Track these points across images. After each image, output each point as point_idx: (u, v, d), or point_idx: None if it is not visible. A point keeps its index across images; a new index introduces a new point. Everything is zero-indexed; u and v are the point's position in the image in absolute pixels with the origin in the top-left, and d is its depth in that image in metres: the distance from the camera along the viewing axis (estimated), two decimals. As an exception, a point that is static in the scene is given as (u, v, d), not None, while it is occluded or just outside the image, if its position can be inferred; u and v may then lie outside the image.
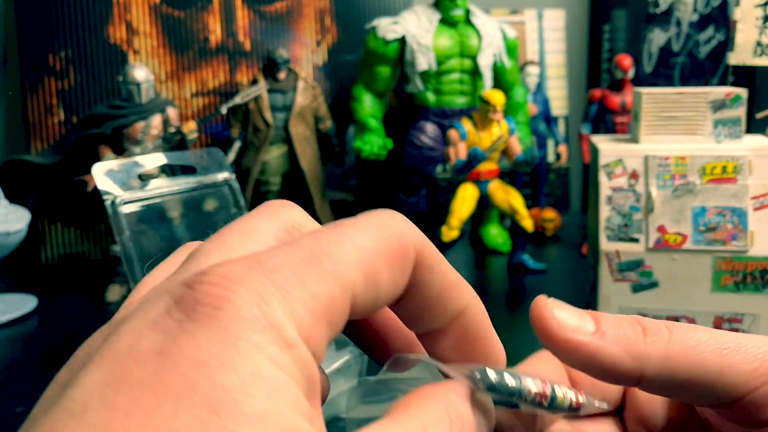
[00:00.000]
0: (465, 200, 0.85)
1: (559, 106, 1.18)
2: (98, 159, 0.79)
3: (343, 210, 1.06)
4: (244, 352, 0.14)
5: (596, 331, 0.22)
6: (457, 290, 0.22)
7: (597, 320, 0.23)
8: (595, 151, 0.83)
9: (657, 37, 1.14)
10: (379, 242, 0.17)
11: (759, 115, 1.00)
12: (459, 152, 0.84)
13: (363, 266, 0.17)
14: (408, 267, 0.19)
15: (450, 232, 0.84)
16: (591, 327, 0.23)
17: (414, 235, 0.19)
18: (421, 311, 0.21)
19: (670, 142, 0.79)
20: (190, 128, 0.81)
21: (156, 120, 0.80)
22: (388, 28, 0.92)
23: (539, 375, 0.22)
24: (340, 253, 0.16)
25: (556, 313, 0.22)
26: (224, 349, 0.14)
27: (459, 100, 0.94)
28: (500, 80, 0.96)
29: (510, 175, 1.09)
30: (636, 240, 0.78)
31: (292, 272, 0.16)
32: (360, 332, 0.23)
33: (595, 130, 1.03)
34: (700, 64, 1.15)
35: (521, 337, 0.71)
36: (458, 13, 0.91)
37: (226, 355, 0.14)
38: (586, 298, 0.81)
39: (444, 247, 0.85)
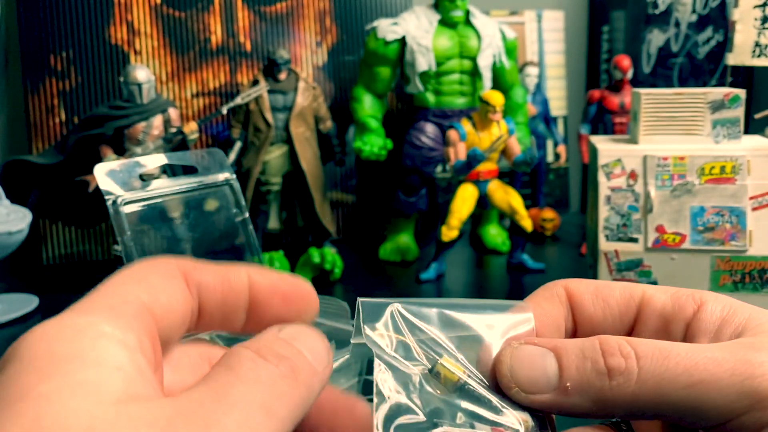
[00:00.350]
0: (464, 200, 0.85)
1: (558, 106, 1.19)
2: (99, 159, 0.79)
3: (343, 210, 1.06)
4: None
5: (559, 384, 0.22)
6: None
7: (560, 362, 0.23)
8: (594, 152, 0.83)
9: (656, 38, 1.14)
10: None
11: (757, 116, 1.00)
12: (458, 153, 0.84)
13: None
14: None
15: (450, 232, 0.84)
16: (554, 378, 0.23)
17: None
18: None
19: (669, 142, 0.80)
20: (191, 129, 0.81)
21: (157, 120, 0.80)
22: (388, 28, 0.92)
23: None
24: None
25: (516, 376, 0.23)
26: None
27: (458, 101, 0.94)
28: (500, 81, 0.96)
29: (509, 176, 1.10)
30: (635, 240, 0.79)
31: None
32: None
33: (594, 131, 1.04)
34: (699, 65, 1.15)
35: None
36: (458, 14, 0.91)
37: None
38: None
39: (444, 247, 0.85)
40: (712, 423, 0.22)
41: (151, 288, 0.21)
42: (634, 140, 0.82)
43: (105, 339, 0.18)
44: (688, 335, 0.26)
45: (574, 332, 0.27)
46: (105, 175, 0.51)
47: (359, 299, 0.24)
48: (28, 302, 0.79)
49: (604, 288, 0.27)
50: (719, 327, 0.25)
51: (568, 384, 0.22)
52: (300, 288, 0.24)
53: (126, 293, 0.20)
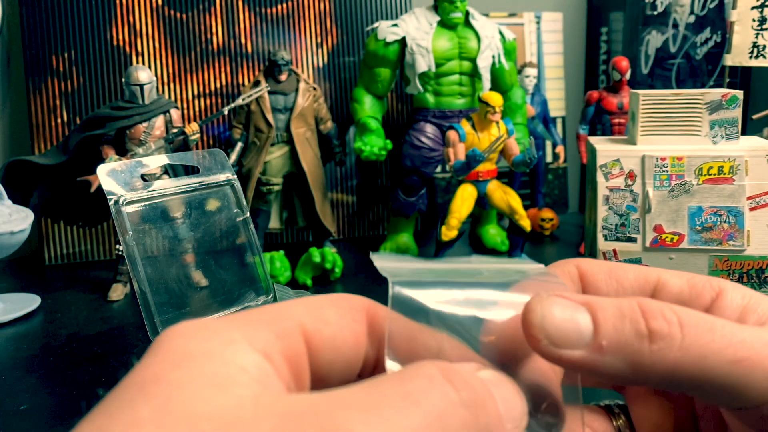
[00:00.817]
0: (464, 200, 0.86)
1: (556, 107, 1.19)
2: (101, 160, 0.80)
3: (343, 210, 1.07)
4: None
5: (593, 341, 0.20)
6: None
7: (595, 319, 0.21)
8: (592, 152, 0.84)
9: (654, 39, 1.15)
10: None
11: (755, 116, 1.00)
12: (458, 153, 0.85)
13: None
14: None
15: (449, 231, 0.85)
16: (587, 334, 0.20)
17: None
18: None
19: (667, 142, 0.80)
20: (193, 129, 0.81)
21: (159, 121, 0.80)
22: (387, 30, 0.93)
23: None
24: None
25: (547, 326, 0.20)
26: None
27: (458, 102, 0.95)
28: (499, 82, 0.97)
29: (508, 176, 1.10)
30: (633, 239, 0.79)
31: None
32: None
33: (593, 131, 1.04)
34: (697, 66, 1.16)
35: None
36: (457, 15, 0.92)
37: None
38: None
39: (443, 247, 0.86)
40: (750, 404, 0.21)
41: (319, 318, 0.20)
42: (632, 141, 0.82)
43: (234, 345, 0.18)
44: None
45: None
46: (107, 175, 0.52)
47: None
48: (30, 302, 0.80)
49: (618, 269, 0.26)
50: (741, 315, 0.23)
51: (603, 342, 0.20)
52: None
53: (286, 314, 0.20)
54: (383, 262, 0.22)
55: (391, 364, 0.20)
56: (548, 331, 0.20)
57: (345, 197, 1.07)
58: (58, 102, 0.97)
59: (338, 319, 0.20)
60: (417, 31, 0.92)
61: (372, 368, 0.21)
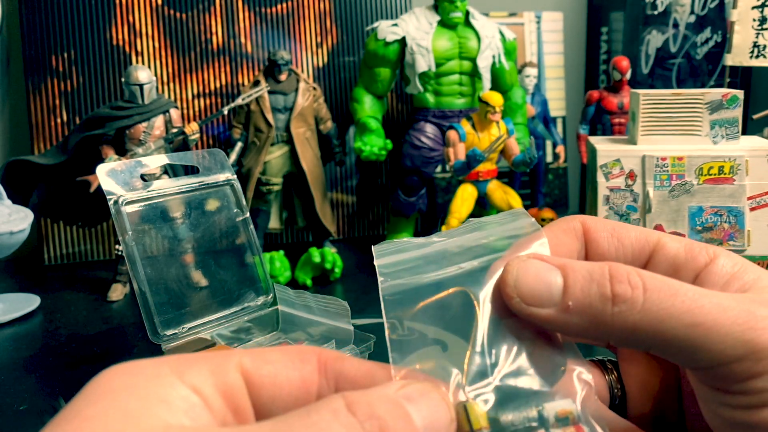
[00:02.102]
0: (464, 200, 0.86)
1: (557, 107, 1.19)
2: (101, 159, 0.79)
3: (343, 210, 1.07)
4: None
5: (561, 302, 0.22)
6: None
7: (566, 281, 0.23)
8: (592, 152, 0.83)
9: (654, 39, 1.14)
10: None
11: (755, 116, 1.00)
12: (458, 153, 0.85)
13: None
14: None
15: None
16: (557, 294, 0.22)
17: None
18: None
19: (668, 142, 0.80)
20: (193, 129, 0.81)
21: (158, 121, 0.80)
22: (387, 30, 0.93)
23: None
24: None
25: (519, 285, 0.23)
26: None
27: (458, 102, 0.95)
28: (499, 82, 0.97)
29: (509, 176, 1.10)
30: (633, 240, 0.79)
31: None
32: None
33: (593, 131, 1.04)
34: (697, 66, 1.16)
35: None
36: (457, 15, 0.92)
37: None
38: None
39: (443, 247, 0.85)
40: (703, 365, 0.22)
41: (260, 359, 0.21)
42: (632, 141, 0.82)
43: (159, 378, 0.19)
44: (696, 285, 0.25)
45: None
46: (107, 175, 0.51)
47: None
48: (30, 302, 0.80)
49: (621, 228, 0.27)
50: (727, 281, 0.25)
51: (570, 303, 0.22)
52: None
53: (224, 354, 0.21)
54: (383, 258, 0.23)
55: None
56: (520, 290, 0.23)
57: (345, 197, 1.07)
58: (57, 102, 0.97)
59: (280, 358, 0.21)
60: (417, 30, 0.92)
61: None
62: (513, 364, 0.22)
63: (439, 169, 1.07)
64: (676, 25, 1.14)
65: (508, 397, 0.21)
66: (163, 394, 0.19)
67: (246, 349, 0.21)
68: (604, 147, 0.81)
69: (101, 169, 0.51)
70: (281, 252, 0.86)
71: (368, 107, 0.94)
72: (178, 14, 1.00)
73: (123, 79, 0.81)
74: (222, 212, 0.59)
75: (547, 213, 1.07)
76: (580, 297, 0.22)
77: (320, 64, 1.05)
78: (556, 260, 0.24)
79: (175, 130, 0.81)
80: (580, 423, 0.21)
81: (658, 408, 0.27)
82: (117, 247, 0.83)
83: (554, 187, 1.17)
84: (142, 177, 0.54)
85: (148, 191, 0.53)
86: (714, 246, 0.27)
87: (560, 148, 1.14)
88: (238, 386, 0.20)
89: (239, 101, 0.85)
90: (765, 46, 0.95)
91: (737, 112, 0.79)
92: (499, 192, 0.87)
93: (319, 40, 1.05)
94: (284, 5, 1.03)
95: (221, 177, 0.58)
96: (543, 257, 0.24)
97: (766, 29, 0.95)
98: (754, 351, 0.21)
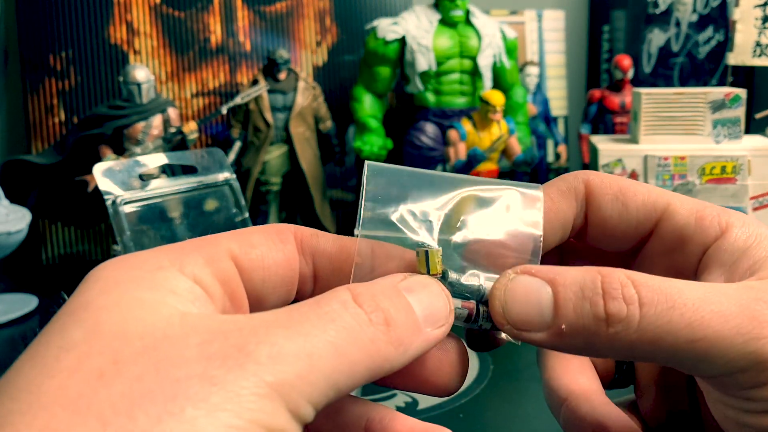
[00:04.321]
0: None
1: (558, 106, 1.19)
2: (99, 159, 0.79)
3: (342, 209, 1.06)
4: None
5: (554, 324, 0.21)
6: None
7: (556, 300, 0.21)
8: (594, 151, 0.83)
9: (656, 38, 1.14)
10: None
11: (758, 116, 1.00)
12: (459, 152, 0.84)
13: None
14: None
15: (450, 232, 0.84)
16: (548, 316, 0.21)
17: None
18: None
19: (670, 142, 0.79)
20: (191, 128, 0.81)
21: (156, 120, 0.80)
22: (388, 28, 0.92)
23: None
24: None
25: (508, 313, 0.22)
26: None
27: (459, 101, 0.94)
28: (500, 81, 0.96)
29: (510, 175, 1.10)
30: (635, 240, 0.79)
31: None
32: None
33: (595, 131, 1.03)
34: (700, 65, 1.15)
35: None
36: (458, 13, 0.91)
37: None
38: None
39: (444, 247, 0.85)
40: (706, 375, 0.22)
41: (246, 243, 0.22)
42: (634, 140, 0.82)
43: (163, 270, 0.19)
44: (703, 261, 0.24)
45: (584, 229, 0.26)
46: (104, 174, 0.51)
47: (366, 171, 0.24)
48: (28, 302, 0.79)
49: (628, 191, 0.25)
50: (737, 260, 0.23)
51: (563, 326, 0.21)
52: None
53: (212, 241, 0.21)
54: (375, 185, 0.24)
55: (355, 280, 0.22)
56: (510, 317, 0.22)
57: (344, 197, 1.07)
58: (55, 101, 0.96)
59: (264, 240, 0.22)
60: (417, 29, 0.92)
61: (312, 285, 0.23)
62: (481, 236, 0.23)
63: (439, 168, 1.06)
64: (678, 24, 1.14)
65: (467, 263, 0.23)
66: (170, 285, 0.19)
67: (231, 235, 0.22)
68: (606, 146, 0.80)
69: (98, 169, 0.51)
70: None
71: (368, 106, 0.93)
72: (176, 13, 0.99)
73: (121, 78, 0.80)
74: (221, 212, 0.58)
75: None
76: (573, 319, 0.21)
77: (320, 63, 1.04)
78: (546, 272, 0.22)
79: (173, 130, 0.81)
80: None
81: (671, 399, 0.27)
82: (115, 247, 0.82)
83: (555, 186, 1.17)
84: (140, 177, 0.53)
85: (146, 191, 0.53)
86: (728, 213, 0.25)
87: (562, 148, 1.13)
88: (232, 273, 0.21)
89: (238, 100, 0.85)
90: (767, 45, 0.95)
91: (740, 112, 0.78)
92: (500, 192, 0.86)
93: (318, 38, 1.04)
94: (283, 4, 1.03)
95: (220, 177, 0.58)
96: (531, 271, 0.22)
97: (768, 28, 0.94)
98: (758, 362, 0.20)
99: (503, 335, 0.22)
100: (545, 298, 0.21)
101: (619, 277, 0.21)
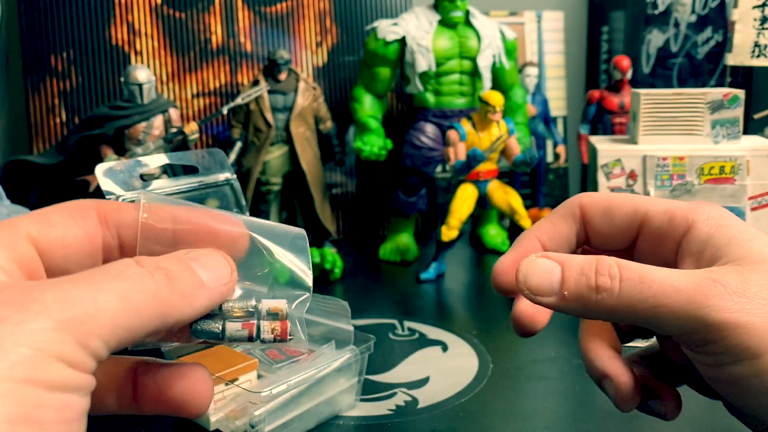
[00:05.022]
0: (464, 200, 0.85)
1: (557, 106, 1.19)
2: (100, 159, 0.79)
3: (343, 210, 1.07)
4: None
5: (560, 291, 0.29)
6: None
7: (563, 274, 0.29)
8: (593, 152, 0.83)
9: (655, 38, 1.14)
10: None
11: (757, 116, 1.00)
12: (458, 153, 0.85)
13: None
14: None
15: (449, 231, 0.85)
16: (556, 286, 0.29)
17: None
18: None
19: (668, 142, 0.80)
20: (192, 129, 0.81)
21: (158, 121, 0.80)
22: (387, 29, 0.92)
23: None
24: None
25: (528, 281, 0.29)
26: None
27: (458, 101, 0.94)
28: (499, 81, 0.97)
29: (509, 176, 1.10)
30: (634, 240, 0.79)
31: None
32: None
33: (594, 131, 1.04)
34: (698, 65, 1.15)
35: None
36: (458, 14, 0.92)
37: None
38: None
39: (443, 247, 0.85)
40: (670, 334, 0.28)
41: (45, 224, 0.23)
42: (633, 140, 0.82)
43: None
44: (678, 253, 0.31)
45: (587, 240, 0.34)
46: (105, 175, 0.51)
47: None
48: (29, 302, 0.79)
49: (614, 204, 0.33)
50: (701, 251, 0.30)
51: (566, 292, 0.28)
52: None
53: (10, 225, 0.23)
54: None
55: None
56: (528, 285, 0.29)
57: (345, 197, 1.07)
58: (56, 101, 0.97)
59: (63, 219, 0.24)
60: (417, 30, 0.92)
61: (119, 255, 0.25)
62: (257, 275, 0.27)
63: (439, 168, 1.07)
64: (677, 25, 1.14)
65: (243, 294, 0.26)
66: None
67: (30, 217, 0.23)
68: (605, 147, 0.81)
69: (100, 169, 0.51)
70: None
71: (368, 107, 0.94)
72: (177, 14, 1.00)
73: (122, 79, 0.80)
74: (221, 212, 0.58)
75: (548, 213, 1.07)
76: (573, 288, 0.28)
77: (320, 64, 1.05)
78: (558, 257, 0.29)
79: (174, 130, 0.81)
80: (287, 319, 0.25)
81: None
82: (116, 247, 0.82)
83: (555, 187, 1.17)
84: (142, 177, 0.53)
85: (147, 191, 0.53)
86: (695, 209, 0.31)
87: (561, 148, 1.14)
88: (31, 255, 0.23)
89: (239, 101, 0.85)
90: (766, 46, 0.95)
91: (738, 112, 0.79)
92: (500, 192, 0.87)
93: (318, 39, 1.05)
94: (284, 4, 1.03)
95: (221, 177, 0.58)
96: (548, 255, 0.30)
97: (767, 29, 0.94)
98: (703, 325, 0.27)
99: (289, 345, 0.27)
100: (556, 273, 0.29)
101: (608, 261, 0.29)
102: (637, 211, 0.32)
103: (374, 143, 0.91)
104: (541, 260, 0.29)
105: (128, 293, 0.20)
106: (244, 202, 0.59)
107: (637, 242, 0.33)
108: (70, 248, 0.24)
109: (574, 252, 0.34)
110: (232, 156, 0.87)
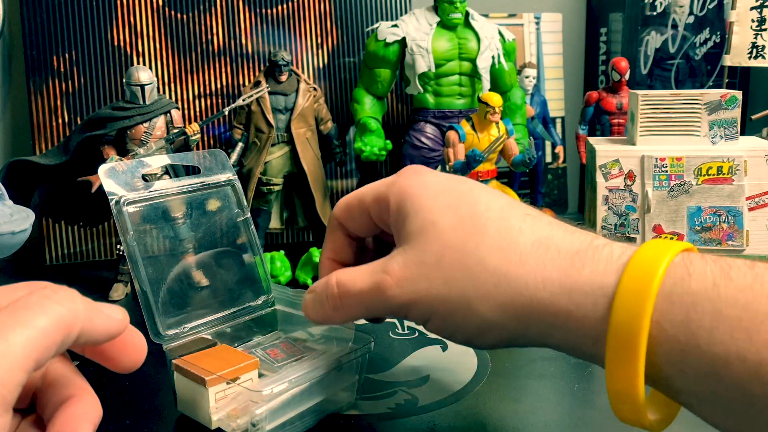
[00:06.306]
0: (464, 200, 0.86)
1: (556, 107, 1.20)
2: (102, 160, 0.80)
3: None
4: None
5: (324, 316, 0.41)
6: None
7: (311, 299, 0.42)
8: (592, 152, 0.84)
9: (653, 40, 1.15)
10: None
11: (754, 117, 1.01)
12: (458, 153, 0.85)
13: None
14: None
15: (449, 232, 0.85)
16: (320, 310, 0.41)
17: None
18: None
19: (666, 143, 0.80)
20: (194, 130, 0.82)
21: (159, 122, 0.81)
22: (387, 31, 0.93)
23: None
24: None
25: (309, 316, 0.42)
26: None
27: (458, 102, 0.95)
28: (498, 82, 0.97)
29: (508, 176, 1.11)
30: (632, 239, 0.79)
31: None
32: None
33: (592, 132, 1.04)
34: (696, 66, 1.16)
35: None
36: (457, 16, 0.92)
37: None
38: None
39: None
40: (392, 317, 0.41)
41: None
42: (631, 141, 0.83)
43: None
44: (392, 229, 0.38)
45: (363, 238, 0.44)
46: (108, 175, 0.52)
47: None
48: (32, 301, 0.80)
49: (351, 204, 0.41)
50: (394, 228, 0.37)
51: (320, 313, 0.40)
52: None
53: None
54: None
55: None
56: (310, 317, 0.42)
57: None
58: (59, 102, 0.97)
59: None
60: (417, 31, 0.93)
61: None
62: None
63: (439, 169, 1.07)
64: (674, 26, 1.15)
65: None
66: None
67: None
68: (603, 147, 0.81)
69: (102, 170, 0.52)
70: (282, 252, 0.87)
71: (368, 108, 0.94)
72: (179, 15, 1.00)
73: (124, 80, 0.81)
74: (223, 212, 0.59)
75: (547, 213, 1.07)
76: (320, 310, 0.41)
77: (320, 65, 1.05)
78: (313, 288, 0.42)
79: (176, 131, 0.81)
80: None
81: None
82: (118, 247, 0.83)
83: (553, 187, 1.18)
84: (144, 177, 0.54)
85: (150, 191, 0.54)
86: (389, 185, 0.38)
87: (559, 149, 1.14)
88: None
89: (240, 102, 0.86)
90: (763, 47, 0.95)
91: (736, 113, 0.79)
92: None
93: (319, 41, 1.05)
94: (285, 6, 1.04)
95: (222, 177, 0.58)
96: (313, 287, 0.41)
97: (764, 30, 0.95)
98: (394, 309, 0.36)
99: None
100: (315, 303, 0.41)
101: (331, 282, 0.38)
102: (361, 201, 0.40)
103: (374, 144, 0.92)
104: (307, 296, 0.41)
105: (35, 321, 0.24)
106: (245, 202, 0.59)
107: (379, 227, 0.40)
108: None
109: (356, 249, 0.43)
110: (234, 156, 0.87)
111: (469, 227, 0.34)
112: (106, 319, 0.28)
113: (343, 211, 0.41)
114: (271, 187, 0.89)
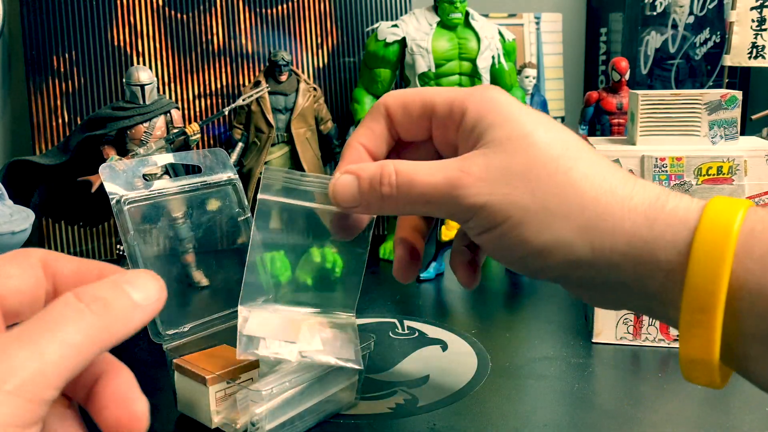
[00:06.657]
0: (464, 200, 0.86)
1: (556, 107, 1.20)
2: (102, 160, 0.80)
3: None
4: None
5: (360, 200, 0.37)
6: None
7: (359, 186, 0.37)
8: (592, 152, 0.84)
9: (653, 39, 1.15)
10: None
11: (754, 117, 1.01)
12: (458, 153, 0.85)
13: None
14: None
15: (449, 231, 0.85)
16: (358, 195, 0.37)
17: None
18: None
19: (666, 143, 0.80)
20: (194, 130, 0.82)
21: (159, 121, 0.81)
22: (387, 30, 0.93)
23: None
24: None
25: (336, 195, 0.37)
26: None
27: (458, 102, 0.95)
28: (498, 82, 0.97)
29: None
30: (632, 239, 0.79)
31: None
32: None
33: (592, 132, 1.04)
34: (696, 66, 1.16)
35: (520, 334, 0.72)
36: (457, 16, 0.92)
37: None
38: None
39: (443, 247, 0.86)
40: (443, 218, 0.35)
41: (4, 276, 0.26)
42: (631, 141, 0.83)
43: None
44: (458, 138, 0.36)
45: (399, 137, 0.40)
46: (108, 175, 0.52)
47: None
48: (32, 301, 0.80)
49: (409, 100, 0.38)
50: (470, 134, 0.35)
51: (362, 198, 0.36)
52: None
53: None
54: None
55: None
56: (338, 199, 0.37)
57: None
58: (59, 102, 0.97)
59: (19, 271, 0.26)
60: (417, 31, 0.93)
61: (54, 297, 0.27)
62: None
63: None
64: (674, 26, 1.15)
65: None
66: None
67: None
68: (603, 147, 0.81)
69: (103, 169, 0.52)
70: (282, 252, 0.86)
71: (368, 108, 0.94)
72: (179, 15, 1.00)
73: (124, 80, 0.81)
74: (223, 211, 0.59)
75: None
76: (367, 197, 0.36)
77: (320, 65, 1.05)
78: (356, 170, 0.37)
79: (176, 131, 0.81)
80: None
81: None
82: (119, 246, 0.83)
83: (554, 187, 1.18)
84: (144, 177, 0.54)
85: (150, 191, 0.54)
86: (469, 94, 0.36)
87: (560, 149, 1.14)
88: None
89: (240, 102, 0.86)
90: (763, 47, 0.95)
91: (736, 113, 0.79)
92: (499, 192, 0.87)
93: (319, 41, 1.05)
94: (285, 6, 1.04)
95: (223, 176, 0.58)
96: (350, 170, 0.37)
97: (764, 30, 0.95)
98: (460, 209, 0.34)
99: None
100: (354, 186, 0.36)
101: (389, 168, 0.35)
102: (426, 103, 0.37)
103: (374, 144, 0.91)
104: (344, 177, 0.37)
105: (69, 337, 0.23)
106: (246, 202, 0.59)
107: (433, 132, 0.38)
108: (24, 294, 0.26)
109: (392, 145, 0.40)
110: (234, 156, 0.87)
111: (562, 149, 0.35)
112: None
113: (398, 105, 0.38)
114: (271, 187, 0.89)
